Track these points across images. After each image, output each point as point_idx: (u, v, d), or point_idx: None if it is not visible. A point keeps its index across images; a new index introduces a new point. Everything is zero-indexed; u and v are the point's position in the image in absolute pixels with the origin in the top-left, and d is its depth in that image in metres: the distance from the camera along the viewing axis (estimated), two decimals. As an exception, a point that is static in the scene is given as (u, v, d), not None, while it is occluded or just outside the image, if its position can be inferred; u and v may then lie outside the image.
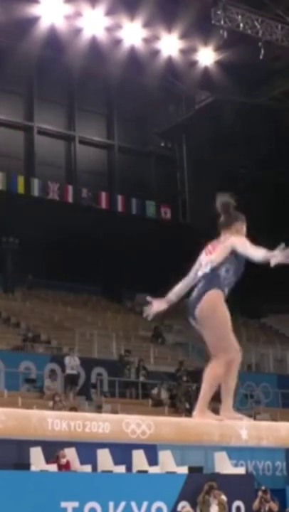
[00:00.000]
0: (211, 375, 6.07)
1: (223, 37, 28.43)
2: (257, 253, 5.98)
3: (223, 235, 6.30)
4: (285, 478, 20.70)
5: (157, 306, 6.51)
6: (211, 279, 6.11)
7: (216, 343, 6.05)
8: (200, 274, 6.21)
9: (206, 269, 6.16)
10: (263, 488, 17.20)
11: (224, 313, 6.08)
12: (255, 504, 16.93)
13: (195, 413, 6.10)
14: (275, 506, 17.04)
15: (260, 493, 17.01)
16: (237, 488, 17.18)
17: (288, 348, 31.06)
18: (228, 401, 6.21)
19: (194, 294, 6.15)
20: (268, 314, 36.02)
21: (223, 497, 16.25)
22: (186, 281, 6.37)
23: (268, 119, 35.89)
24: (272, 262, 5.77)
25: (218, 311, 6.05)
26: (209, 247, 6.30)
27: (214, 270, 6.13)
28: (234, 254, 6.15)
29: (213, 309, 6.04)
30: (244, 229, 6.39)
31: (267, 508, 16.91)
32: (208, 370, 6.10)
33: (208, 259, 6.21)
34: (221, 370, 6.05)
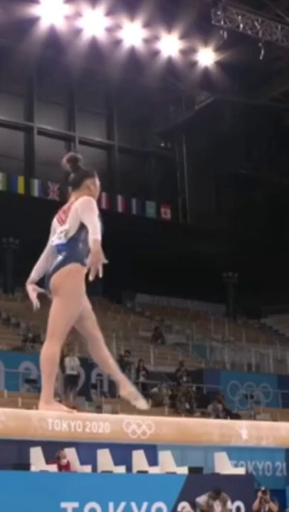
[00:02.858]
0: (47, 356, 5.61)
1: (223, 37, 28.43)
2: (92, 229, 5.46)
3: (73, 196, 5.80)
4: (285, 478, 20.70)
5: (32, 293, 5.92)
6: (69, 251, 5.63)
7: (58, 321, 5.63)
8: (55, 243, 5.72)
9: (62, 240, 5.67)
10: (263, 488, 17.19)
11: (77, 291, 5.68)
12: (255, 505, 16.92)
13: (40, 404, 5.66)
14: (274, 507, 17.03)
15: (259, 494, 16.99)
16: (237, 489, 17.18)
17: (288, 349, 31.07)
18: (51, 389, 5.72)
19: (53, 265, 5.67)
20: (268, 315, 36.05)
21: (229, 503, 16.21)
22: (45, 254, 5.82)
23: (268, 119, 35.92)
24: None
25: (72, 288, 5.63)
26: (61, 213, 5.76)
27: (71, 241, 5.65)
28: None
29: (67, 284, 5.61)
30: (96, 186, 5.87)
31: (267, 509, 16.90)
32: (43, 351, 5.63)
33: (62, 228, 5.67)
34: (57, 349, 5.61)
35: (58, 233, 5.71)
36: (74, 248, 5.62)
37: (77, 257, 5.62)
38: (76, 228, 5.64)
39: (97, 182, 5.91)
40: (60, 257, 5.66)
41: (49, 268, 5.70)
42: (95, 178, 5.93)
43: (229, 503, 16.18)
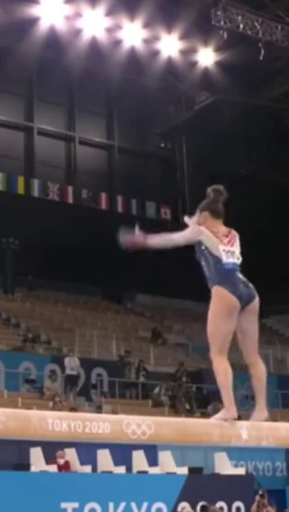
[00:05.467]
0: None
1: (223, 37, 28.42)
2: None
3: (219, 223, 6.20)
4: (285, 478, 20.69)
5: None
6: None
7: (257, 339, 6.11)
8: (236, 262, 6.09)
9: (238, 262, 6.11)
10: (261, 492, 17.12)
11: None
12: (253, 508, 16.87)
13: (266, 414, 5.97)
14: (272, 510, 16.98)
15: (257, 498, 16.93)
16: (237, 489, 17.16)
17: (288, 349, 31.05)
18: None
19: (244, 283, 6.07)
20: (269, 315, 35.99)
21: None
22: (172, 241, 6.27)
23: (268, 119, 35.91)
24: None
25: None
26: (217, 232, 6.11)
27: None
28: None
29: None
30: None
31: (265, 512, 16.86)
32: (263, 364, 6.12)
33: (233, 249, 6.08)
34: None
35: (237, 253, 6.08)
36: None
37: None
38: None
39: None
40: (242, 276, 6.05)
41: (245, 286, 6.07)
42: None
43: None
